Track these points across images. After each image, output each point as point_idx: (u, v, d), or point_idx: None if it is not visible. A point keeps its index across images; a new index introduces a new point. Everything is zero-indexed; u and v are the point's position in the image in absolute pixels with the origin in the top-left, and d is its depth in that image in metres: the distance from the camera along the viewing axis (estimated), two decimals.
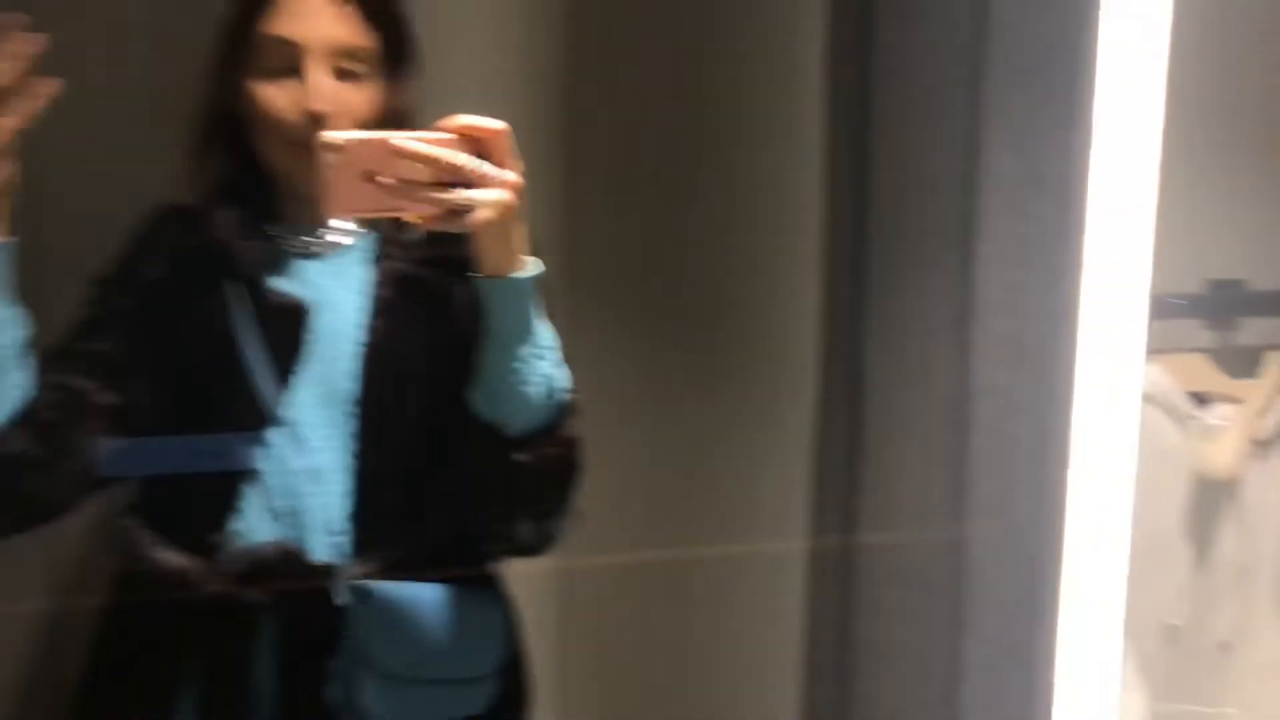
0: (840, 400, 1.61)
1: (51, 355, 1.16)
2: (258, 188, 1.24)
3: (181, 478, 1.21)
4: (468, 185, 1.05)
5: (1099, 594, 1.24)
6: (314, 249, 1.25)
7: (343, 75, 1.19)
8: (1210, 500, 1.69)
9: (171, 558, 1.19)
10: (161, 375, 1.21)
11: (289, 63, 1.17)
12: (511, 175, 1.06)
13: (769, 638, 1.77)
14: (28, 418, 1.10)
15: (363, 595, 1.19)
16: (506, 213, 1.06)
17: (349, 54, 1.18)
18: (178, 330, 1.22)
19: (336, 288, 1.24)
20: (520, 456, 1.14)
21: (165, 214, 1.27)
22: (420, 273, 1.24)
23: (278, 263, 1.24)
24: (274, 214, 1.25)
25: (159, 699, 1.20)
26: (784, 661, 1.74)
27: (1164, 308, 1.70)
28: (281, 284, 1.23)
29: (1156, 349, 1.68)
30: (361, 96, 1.19)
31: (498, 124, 1.06)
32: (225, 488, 1.20)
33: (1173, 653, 1.71)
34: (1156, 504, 1.68)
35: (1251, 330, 1.79)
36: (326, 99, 1.16)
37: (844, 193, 1.57)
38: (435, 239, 1.15)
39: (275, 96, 1.18)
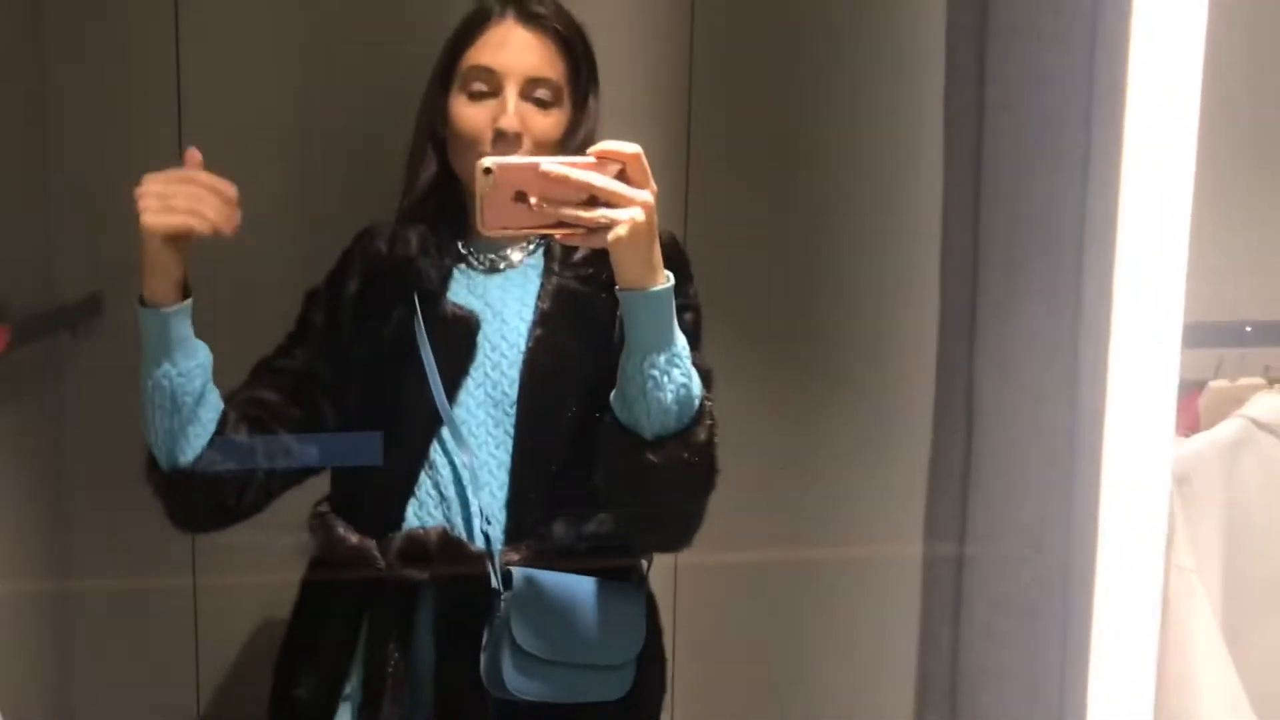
0: (955, 419, 1.61)
1: (257, 369, 1.39)
2: (452, 206, 1.40)
3: (364, 469, 1.37)
4: (607, 205, 1.15)
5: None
6: (494, 264, 1.41)
7: (535, 101, 1.35)
8: None
9: (352, 538, 1.35)
10: (349, 379, 1.39)
11: (489, 88, 1.34)
12: (646, 195, 1.17)
13: (884, 646, 1.80)
14: (222, 435, 1.30)
15: (512, 580, 1.31)
16: (640, 229, 1.16)
17: (541, 82, 1.35)
18: (366, 337, 1.39)
19: (508, 300, 1.39)
20: (654, 458, 1.24)
21: (369, 232, 1.46)
22: (579, 288, 1.37)
23: (458, 277, 1.40)
24: (465, 231, 1.41)
25: (338, 660, 1.37)
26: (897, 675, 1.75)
27: None
28: (459, 297, 1.39)
29: (1277, 376, 1.66)
30: (549, 121, 1.36)
31: (633, 148, 1.16)
32: (402, 478, 1.36)
33: None
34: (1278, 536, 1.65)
35: None
36: (517, 119, 1.32)
37: (960, 217, 1.58)
38: (598, 258, 1.28)
39: (474, 115, 1.34)
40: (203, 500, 1.32)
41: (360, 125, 1.72)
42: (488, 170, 1.16)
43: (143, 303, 1.22)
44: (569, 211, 1.15)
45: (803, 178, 1.84)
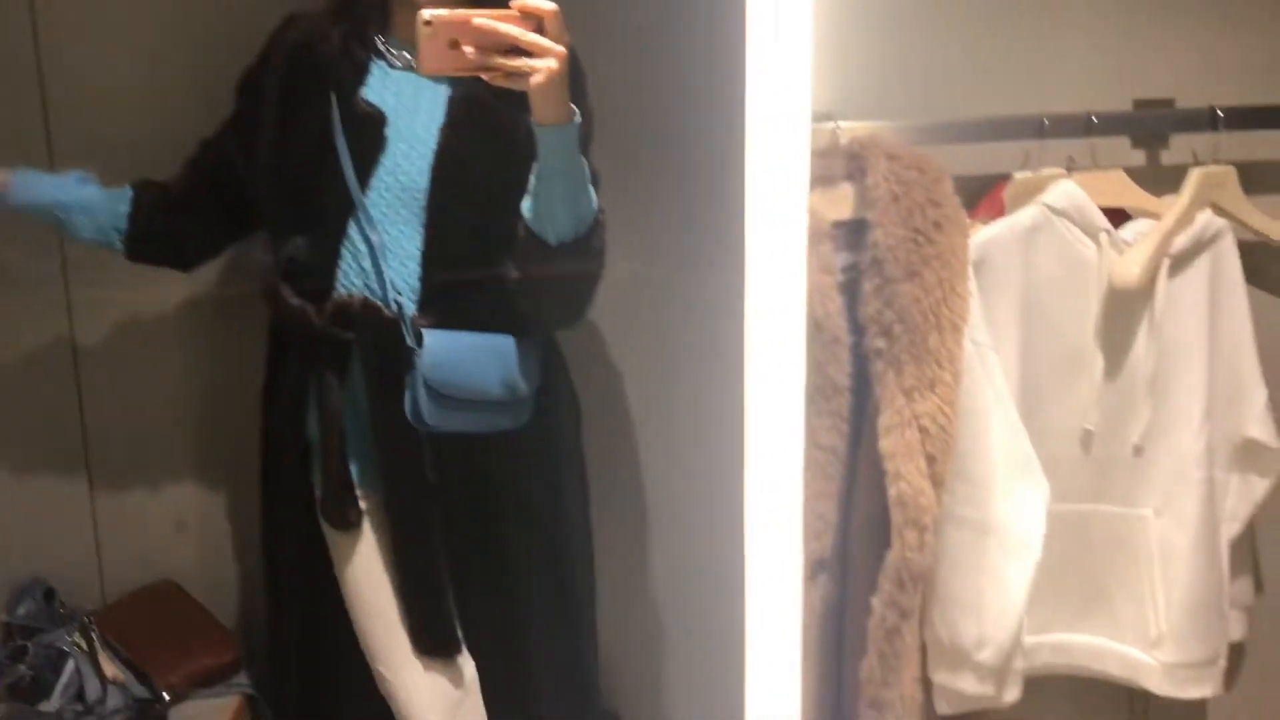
0: None
1: (198, 149, 1.68)
2: (377, 4, 1.57)
3: (298, 247, 1.61)
4: (528, 55, 1.35)
5: None
6: (409, 63, 1.58)
7: None
8: (1123, 311, 1.76)
9: (294, 300, 1.61)
10: (270, 161, 1.60)
11: None
12: (560, 47, 1.36)
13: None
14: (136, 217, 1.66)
15: (422, 338, 1.56)
16: (555, 76, 1.36)
17: None
18: (288, 125, 1.59)
19: (420, 99, 1.57)
20: (557, 259, 1.47)
21: (293, 21, 1.63)
22: (488, 98, 1.49)
23: (375, 71, 1.58)
24: (385, 28, 1.59)
25: (299, 402, 1.65)
26: None
27: (1090, 125, 1.77)
28: (373, 91, 1.57)
29: (1081, 166, 1.76)
30: None
31: (550, 6, 1.35)
32: (327, 253, 1.59)
33: (1089, 457, 1.82)
34: (1073, 314, 1.76)
35: (1177, 148, 1.85)
36: None
37: None
38: None
39: None
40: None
41: None
42: (428, 22, 1.34)
43: None
44: (496, 59, 1.35)
45: None
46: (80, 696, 1.78)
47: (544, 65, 1.35)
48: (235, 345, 1.90)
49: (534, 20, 1.35)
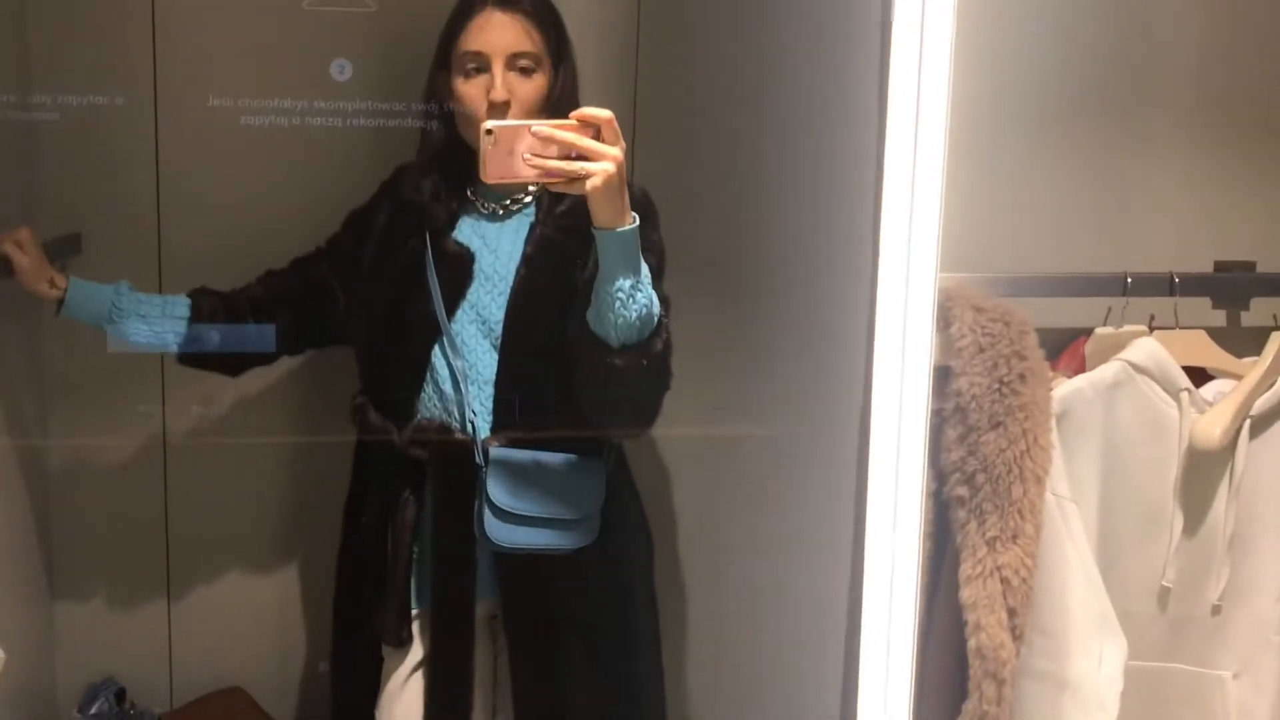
0: None
1: (290, 265, 1.78)
2: (459, 163, 1.68)
3: (385, 370, 1.74)
4: (585, 159, 1.43)
5: None
6: (495, 211, 1.71)
7: (519, 70, 1.64)
8: (1204, 470, 1.76)
9: (377, 422, 1.72)
10: (364, 292, 1.74)
11: (480, 65, 1.64)
12: (616, 151, 1.44)
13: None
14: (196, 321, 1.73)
15: (489, 456, 1.65)
16: (611, 179, 1.43)
17: (521, 55, 1.64)
18: (385, 261, 1.72)
19: (502, 240, 1.70)
20: (619, 362, 1.54)
21: (402, 171, 1.76)
22: (558, 236, 1.66)
23: (465, 220, 1.72)
24: (472, 182, 1.71)
25: (379, 513, 1.73)
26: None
27: (1172, 285, 1.80)
28: (463, 235, 1.71)
29: (1162, 324, 1.79)
30: (532, 85, 1.65)
31: (606, 113, 1.43)
32: (412, 377, 1.70)
33: (1166, 615, 1.80)
34: (1154, 472, 1.77)
35: (1258, 310, 1.87)
36: (504, 90, 1.62)
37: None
38: (575, 211, 1.57)
39: (471, 92, 1.64)
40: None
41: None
42: (489, 131, 1.43)
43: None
44: (554, 164, 1.43)
45: (742, 138, 1.94)
46: None
47: (601, 169, 1.42)
48: (320, 460, 1.96)
49: (591, 128, 1.43)
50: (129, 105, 1.82)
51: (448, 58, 1.66)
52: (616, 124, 1.43)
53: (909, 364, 0.91)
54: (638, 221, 1.49)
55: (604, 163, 1.42)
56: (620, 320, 1.51)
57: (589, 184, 1.42)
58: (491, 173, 1.43)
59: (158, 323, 1.70)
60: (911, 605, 0.94)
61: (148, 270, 1.87)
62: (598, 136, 1.43)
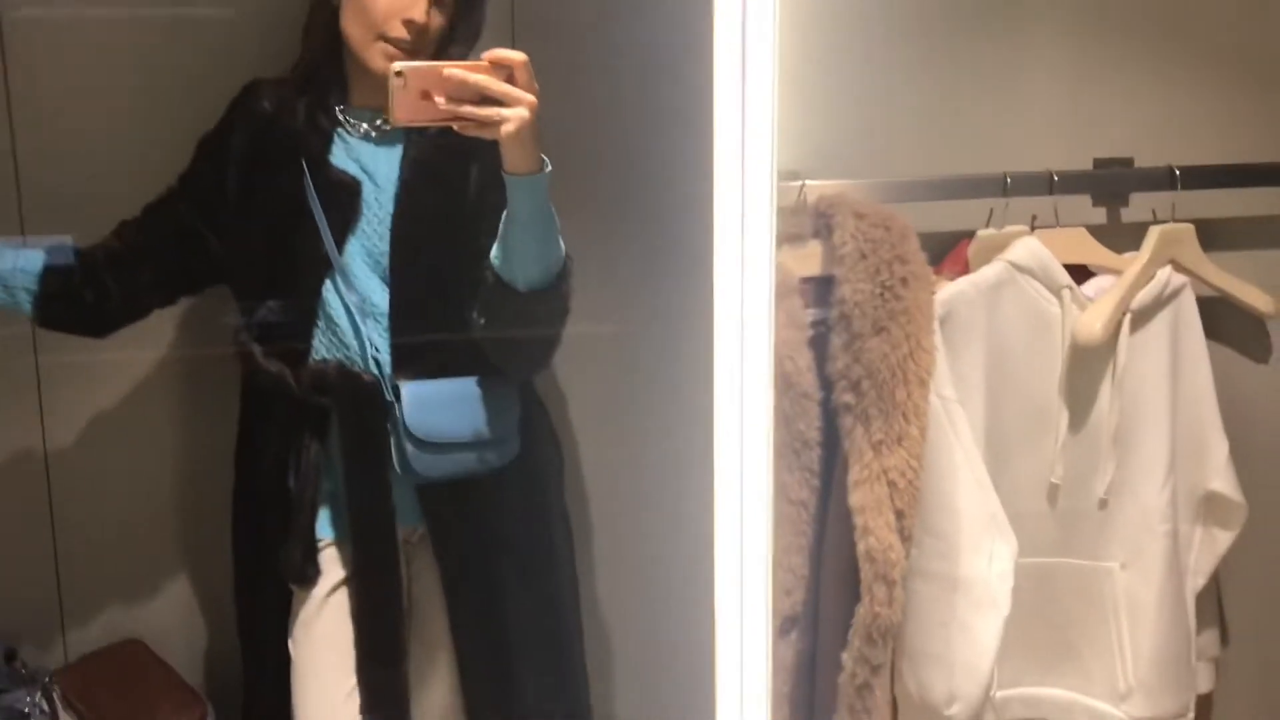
0: None
1: (145, 209, 1.66)
2: (337, 76, 1.61)
3: (272, 309, 1.64)
4: (498, 104, 1.37)
5: None
6: (367, 132, 1.62)
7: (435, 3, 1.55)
8: (1087, 366, 1.78)
9: (271, 367, 1.64)
10: (237, 227, 1.63)
11: None
12: (530, 97, 1.38)
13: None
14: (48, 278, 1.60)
15: (400, 392, 1.60)
16: (526, 124, 1.38)
17: None
18: (256, 193, 1.62)
19: (379, 165, 1.61)
20: (526, 306, 1.50)
21: (254, 89, 1.65)
22: (436, 158, 1.59)
23: (336, 140, 1.62)
24: (344, 98, 1.62)
25: (276, 457, 1.66)
26: None
27: (1051, 183, 1.80)
28: (338, 160, 1.62)
29: (1043, 224, 1.79)
30: (441, 19, 1.56)
31: (520, 56, 1.37)
32: (303, 314, 1.62)
33: (1055, 511, 1.83)
34: (1038, 370, 1.79)
35: (1136, 206, 1.89)
36: (425, 12, 1.53)
37: None
38: (451, 130, 1.46)
39: (382, 3, 1.53)
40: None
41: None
42: (399, 73, 1.36)
43: None
44: (467, 108, 1.37)
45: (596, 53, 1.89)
46: None
47: (515, 114, 1.37)
48: (204, 404, 1.90)
49: (505, 70, 1.37)
50: None
51: None
52: (530, 67, 1.38)
53: (749, 265, 0.89)
54: (549, 167, 1.45)
55: (519, 108, 1.37)
56: (530, 266, 1.48)
57: (503, 129, 1.37)
58: (401, 115, 1.38)
59: (9, 275, 1.59)
60: (765, 507, 0.93)
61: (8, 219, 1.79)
62: (510, 79, 1.37)
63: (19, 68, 1.76)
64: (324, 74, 1.62)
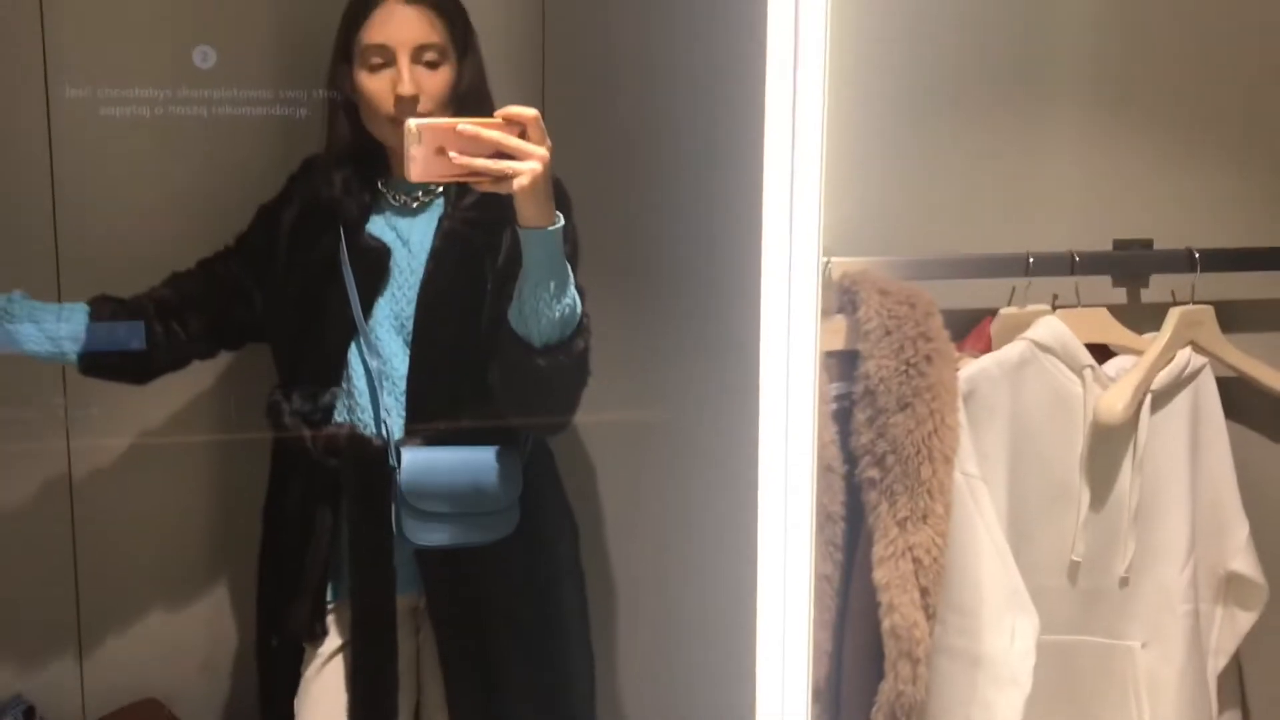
0: None
1: (201, 263, 1.74)
2: (369, 156, 1.68)
3: (300, 370, 1.69)
4: (511, 159, 1.40)
5: None
6: (406, 204, 1.68)
7: (425, 64, 1.61)
8: (1108, 445, 1.80)
9: (293, 423, 1.68)
10: (276, 290, 1.70)
11: (385, 60, 1.60)
12: (543, 150, 1.42)
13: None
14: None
15: (402, 458, 1.63)
16: (538, 178, 1.41)
17: (427, 48, 1.60)
18: (297, 258, 1.69)
19: (413, 234, 1.67)
20: (541, 362, 1.52)
21: (311, 163, 1.74)
22: (466, 230, 1.64)
23: (375, 214, 1.69)
24: (383, 174, 1.69)
25: (300, 518, 1.71)
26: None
27: (1073, 264, 1.83)
28: (376, 229, 1.68)
29: (1065, 303, 1.82)
30: (439, 78, 1.62)
31: (531, 112, 1.41)
32: (327, 376, 1.67)
33: (1076, 589, 1.83)
34: (1060, 448, 1.80)
35: (1156, 287, 1.91)
36: (412, 85, 1.59)
37: None
38: (483, 204, 1.59)
39: (376, 86, 1.61)
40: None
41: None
42: (415, 130, 1.39)
43: None
44: (481, 163, 1.40)
45: (641, 133, 1.93)
46: None
47: (528, 168, 1.40)
48: (238, 460, 1.93)
49: (517, 126, 1.41)
50: (16, 105, 1.77)
51: (349, 50, 1.63)
52: (542, 122, 1.41)
53: (794, 348, 0.91)
54: (562, 221, 1.47)
55: (531, 162, 1.40)
56: (544, 320, 1.49)
57: (516, 183, 1.40)
58: (417, 172, 1.40)
59: (53, 328, 1.64)
60: (806, 588, 0.94)
61: (45, 283, 1.82)
62: (523, 135, 1.41)
63: (64, 147, 1.82)
64: (360, 151, 1.67)
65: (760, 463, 0.90)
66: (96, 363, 1.69)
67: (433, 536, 1.64)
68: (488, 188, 1.42)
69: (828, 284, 1.76)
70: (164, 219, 1.85)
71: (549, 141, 1.43)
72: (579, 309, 1.53)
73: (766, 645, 0.94)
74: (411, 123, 1.40)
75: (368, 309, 1.65)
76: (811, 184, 0.96)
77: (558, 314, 1.49)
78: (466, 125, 1.39)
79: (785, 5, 0.93)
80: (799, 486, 0.93)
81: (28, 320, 1.63)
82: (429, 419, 1.65)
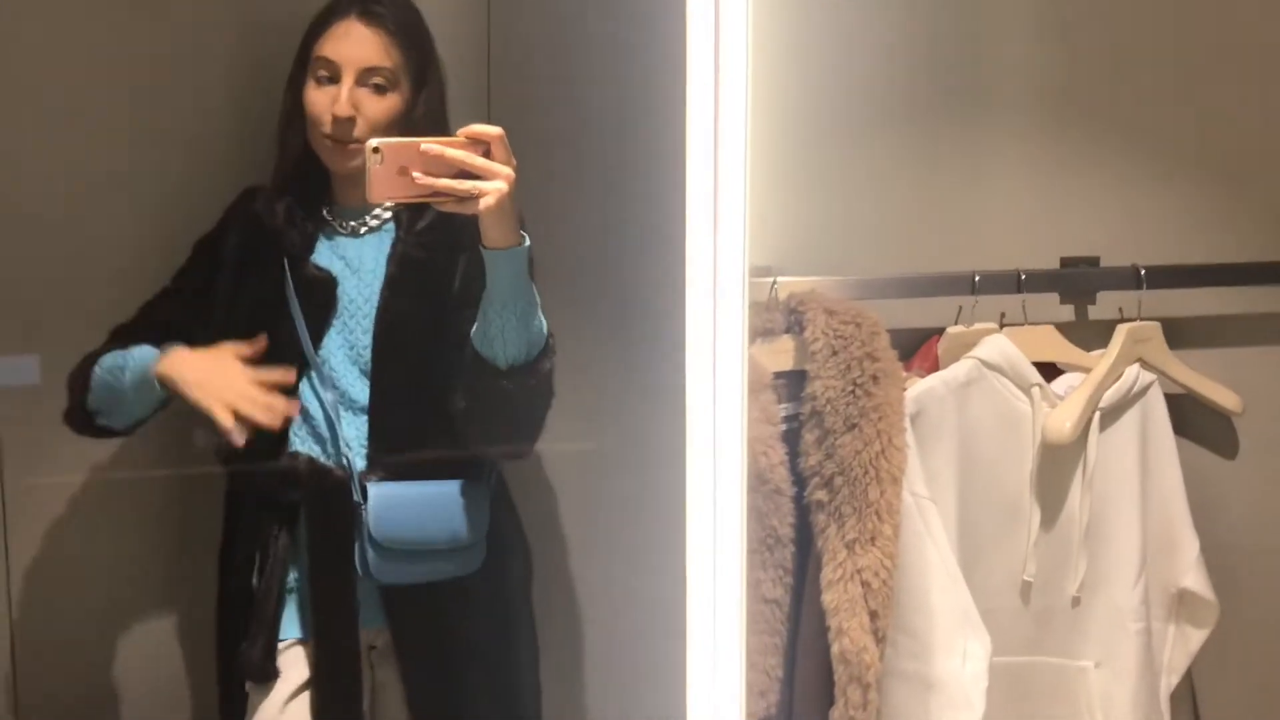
0: None
1: (141, 310, 1.64)
2: (316, 175, 1.63)
3: None
4: (475, 178, 1.37)
5: None
6: (354, 229, 1.63)
7: (372, 87, 1.57)
8: (1058, 464, 1.79)
9: (246, 460, 1.58)
10: (223, 326, 1.60)
11: (331, 75, 1.57)
12: (508, 170, 1.39)
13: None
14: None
15: (367, 493, 1.57)
16: (504, 198, 1.38)
17: (375, 71, 1.57)
18: (242, 292, 1.62)
19: (364, 260, 1.62)
20: (507, 384, 1.48)
21: (250, 193, 1.67)
22: (422, 254, 1.60)
23: (323, 239, 1.63)
24: (328, 197, 1.64)
25: (251, 555, 1.63)
26: None
27: (1019, 282, 1.82)
28: (322, 258, 1.62)
29: (1010, 321, 1.81)
30: (384, 104, 1.58)
31: (496, 130, 1.38)
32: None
33: (1028, 609, 1.82)
34: (1009, 467, 1.79)
35: (1103, 304, 1.91)
36: (349, 105, 1.55)
37: None
38: (437, 226, 1.56)
39: (318, 100, 1.58)
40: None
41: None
42: (376, 149, 1.35)
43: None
44: (445, 183, 1.36)
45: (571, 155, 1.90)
46: None
47: (493, 188, 1.37)
48: (190, 505, 1.87)
49: (481, 145, 1.38)
50: None
51: (306, 59, 1.60)
52: (506, 141, 1.38)
53: (721, 367, 0.89)
54: (528, 241, 1.44)
55: (496, 181, 1.37)
56: (510, 342, 1.46)
57: (481, 203, 1.37)
58: (378, 192, 1.36)
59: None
60: (737, 609, 0.92)
61: None
62: (488, 154, 1.37)
63: None
64: (305, 176, 1.63)
65: (687, 486, 0.88)
66: (87, 420, 1.63)
67: (400, 573, 1.60)
68: (451, 208, 1.39)
69: (775, 304, 1.75)
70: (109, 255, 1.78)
71: (514, 160, 1.40)
72: (544, 329, 1.50)
73: (697, 671, 0.92)
74: (372, 141, 1.36)
75: (318, 341, 1.60)
76: (736, 204, 0.95)
77: (524, 336, 1.47)
78: (430, 144, 1.36)
79: (705, 21, 0.92)
80: (728, 508, 0.91)
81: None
82: (393, 449, 1.60)
